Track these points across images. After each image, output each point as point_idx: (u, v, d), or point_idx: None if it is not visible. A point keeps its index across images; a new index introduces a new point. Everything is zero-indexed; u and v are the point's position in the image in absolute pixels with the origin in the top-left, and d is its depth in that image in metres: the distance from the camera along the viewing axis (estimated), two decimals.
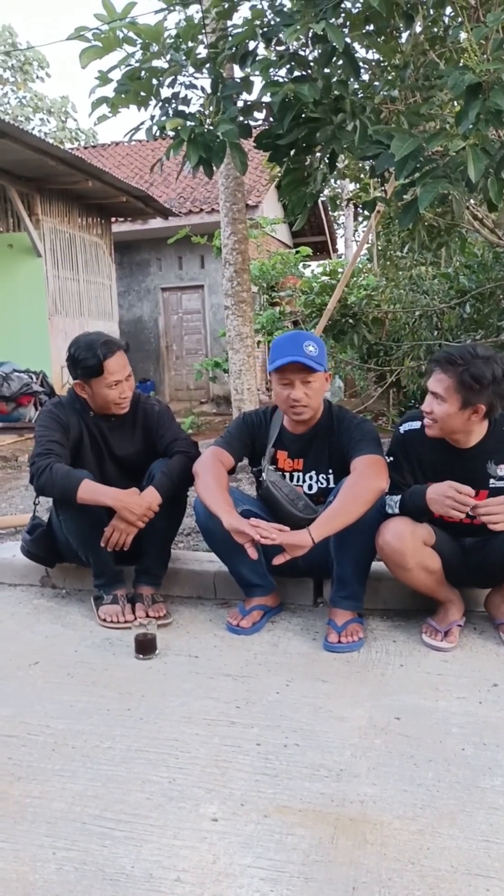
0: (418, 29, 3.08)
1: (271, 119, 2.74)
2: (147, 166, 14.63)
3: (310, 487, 2.67)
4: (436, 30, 3.16)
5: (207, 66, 2.81)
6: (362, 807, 1.65)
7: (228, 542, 2.43)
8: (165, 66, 2.74)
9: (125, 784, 1.76)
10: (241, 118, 2.76)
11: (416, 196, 2.32)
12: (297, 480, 2.69)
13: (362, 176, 5.84)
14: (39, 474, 2.58)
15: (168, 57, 2.73)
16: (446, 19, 3.22)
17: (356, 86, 2.84)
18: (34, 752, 1.91)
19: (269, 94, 2.58)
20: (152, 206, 11.08)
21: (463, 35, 2.78)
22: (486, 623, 2.60)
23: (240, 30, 2.68)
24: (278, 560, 2.37)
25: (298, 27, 2.36)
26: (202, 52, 2.86)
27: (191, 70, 2.81)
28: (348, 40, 2.68)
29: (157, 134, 2.76)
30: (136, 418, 2.87)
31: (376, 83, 3.21)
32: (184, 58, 2.74)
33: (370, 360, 7.31)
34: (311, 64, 2.73)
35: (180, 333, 13.60)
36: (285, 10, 2.67)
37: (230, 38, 2.72)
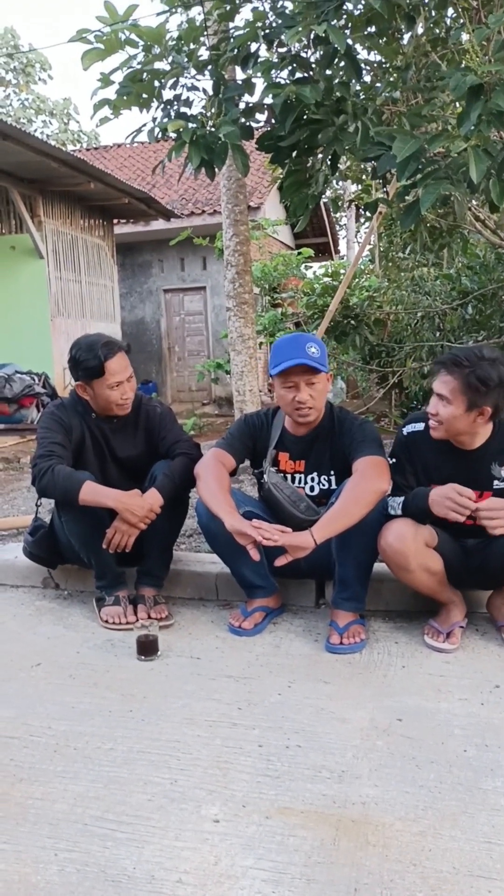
0: (420, 30, 3.09)
1: (273, 121, 2.74)
2: (149, 168, 14.64)
3: (311, 489, 2.67)
4: (437, 31, 3.17)
5: (209, 67, 2.81)
6: (364, 808, 1.65)
7: (230, 543, 2.43)
8: (167, 68, 2.75)
9: (127, 785, 1.76)
10: (243, 120, 2.76)
11: (418, 197, 2.32)
12: (299, 482, 2.69)
13: (364, 177, 5.85)
14: (41, 476, 2.58)
15: (170, 59, 2.73)
16: (448, 21, 3.22)
17: (358, 87, 2.84)
18: (36, 753, 1.91)
19: (270, 95, 2.58)
20: (154, 208, 11.09)
21: (465, 36, 2.78)
22: (488, 624, 2.60)
23: (241, 32, 2.69)
24: (280, 562, 2.37)
25: (300, 29, 2.37)
26: (204, 54, 2.87)
27: (192, 72, 2.81)
28: (350, 42, 2.68)
29: (159, 136, 2.77)
30: (139, 420, 2.87)
31: (378, 85, 3.22)
32: (185, 60, 2.75)
33: (372, 362, 7.30)
34: (313, 66, 2.73)
35: (182, 335, 13.61)
36: (287, 11, 2.67)
37: (232, 40, 2.73)
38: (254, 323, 5.48)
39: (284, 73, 2.72)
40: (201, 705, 2.13)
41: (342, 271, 8.36)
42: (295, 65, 2.71)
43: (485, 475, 2.40)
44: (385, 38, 3.00)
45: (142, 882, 1.44)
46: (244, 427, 2.74)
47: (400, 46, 3.10)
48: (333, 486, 2.63)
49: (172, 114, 2.84)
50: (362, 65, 2.80)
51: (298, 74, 2.73)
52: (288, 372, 2.50)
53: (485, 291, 5.98)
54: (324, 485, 2.66)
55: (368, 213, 4.51)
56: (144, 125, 2.80)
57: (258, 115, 2.82)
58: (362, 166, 5.35)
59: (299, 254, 11.63)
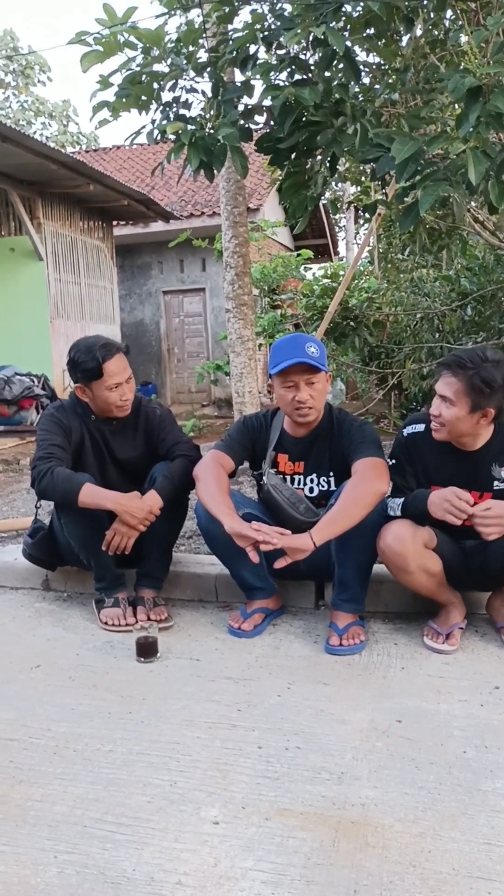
0: (419, 32, 3.09)
1: (272, 123, 2.74)
2: (148, 170, 14.66)
3: (311, 490, 2.67)
4: (436, 33, 3.17)
5: (208, 70, 2.82)
6: (364, 810, 1.65)
7: (230, 545, 2.43)
8: (166, 70, 2.75)
9: (126, 787, 1.76)
10: (242, 122, 2.76)
11: (417, 199, 2.32)
12: (298, 483, 2.69)
13: (363, 179, 5.85)
14: (41, 478, 2.58)
15: (169, 61, 2.73)
16: (447, 22, 3.23)
17: (357, 89, 2.84)
18: (35, 755, 1.91)
19: (269, 97, 2.59)
20: (153, 210, 11.09)
21: (463, 38, 2.78)
22: (488, 625, 2.60)
23: (240, 34, 2.69)
24: (279, 564, 2.37)
25: (299, 31, 2.37)
26: (203, 56, 2.87)
27: (191, 74, 2.81)
28: (349, 44, 2.69)
29: (158, 138, 2.77)
30: (138, 422, 2.87)
31: (377, 86, 3.22)
32: (184, 62, 2.75)
33: (371, 363, 7.30)
34: (312, 67, 2.74)
35: (182, 336, 13.61)
36: (286, 14, 2.67)
37: (231, 42, 2.73)
38: (253, 324, 5.49)
39: (283, 75, 2.72)
40: (201, 707, 2.13)
41: (341, 273, 8.36)
42: (294, 67, 2.71)
43: (485, 476, 2.40)
44: (384, 40, 3.01)
45: (141, 884, 1.44)
46: (243, 429, 2.74)
47: (399, 48, 3.10)
48: (333, 488, 2.63)
49: (171, 116, 2.84)
50: (361, 67, 2.81)
51: (297, 76, 2.73)
52: (288, 371, 2.50)
53: (484, 293, 5.99)
54: (323, 486, 2.66)
55: (367, 215, 4.51)
56: (143, 127, 2.80)
57: (257, 117, 2.83)
58: (361, 168, 5.36)
59: (298, 255, 11.63)
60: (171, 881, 1.44)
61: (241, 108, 2.79)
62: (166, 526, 2.75)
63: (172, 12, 2.80)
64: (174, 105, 2.86)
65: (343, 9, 2.55)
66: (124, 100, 2.73)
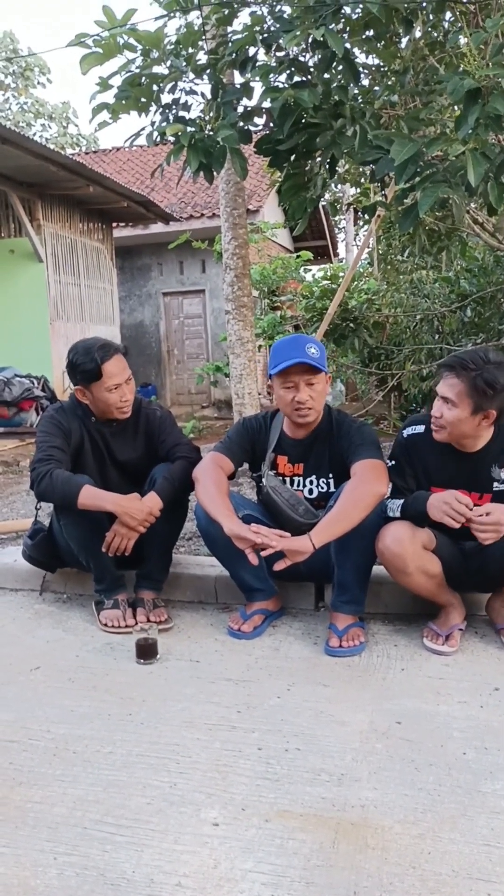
0: (418, 34, 3.10)
1: (271, 124, 2.74)
2: (148, 171, 14.67)
3: (310, 492, 2.67)
4: (435, 35, 3.17)
5: (207, 72, 2.82)
6: (363, 811, 1.64)
7: (229, 546, 2.43)
8: (166, 72, 2.75)
9: (126, 789, 1.75)
10: (242, 124, 2.77)
11: (416, 200, 2.32)
12: (298, 485, 2.69)
13: (362, 180, 5.85)
14: (39, 480, 2.58)
15: (168, 63, 2.74)
16: (446, 24, 3.23)
17: (356, 91, 2.85)
18: (35, 757, 1.91)
19: (269, 99, 2.59)
20: (153, 211, 11.10)
21: (462, 40, 2.78)
22: (487, 627, 2.60)
23: (240, 36, 2.69)
24: (279, 566, 2.37)
25: (298, 33, 2.38)
26: (202, 58, 2.87)
27: (191, 76, 2.81)
28: (348, 46, 2.69)
29: (158, 139, 2.77)
30: (138, 423, 2.87)
31: (376, 88, 3.23)
32: (184, 64, 2.75)
33: (371, 364, 7.31)
34: (311, 69, 2.74)
35: (181, 338, 13.61)
36: (285, 16, 2.68)
37: (230, 44, 2.74)
38: (253, 326, 5.49)
39: (283, 77, 2.73)
40: (200, 708, 2.13)
41: (341, 274, 8.37)
42: (293, 69, 2.72)
43: (485, 477, 2.40)
44: (383, 42, 3.01)
45: (141, 885, 1.44)
46: (242, 431, 2.74)
47: (398, 50, 3.11)
48: (332, 489, 2.63)
49: (171, 118, 2.84)
50: (360, 68, 2.81)
51: (297, 78, 2.74)
52: (287, 371, 2.50)
53: (483, 294, 5.99)
54: (322, 488, 2.66)
55: (367, 217, 4.51)
56: (143, 129, 2.80)
57: (256, 119, 2.83)
58: (361, 169, 5.36)
59: (298, 257, 11.65)
60: (171, 883, 1.44)
61: (240, 109, 2.80)
62: (166, 527, 2.75)
63: (172, 14, 2.80)
64: (174, 107, 2.86)
65: (342, 11, 2.56)
66: (124, 102, 2.73)
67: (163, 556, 2.84)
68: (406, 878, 1.43)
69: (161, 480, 2.68)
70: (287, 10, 2.75)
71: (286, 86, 2.63)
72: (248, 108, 2.81)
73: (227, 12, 2.79)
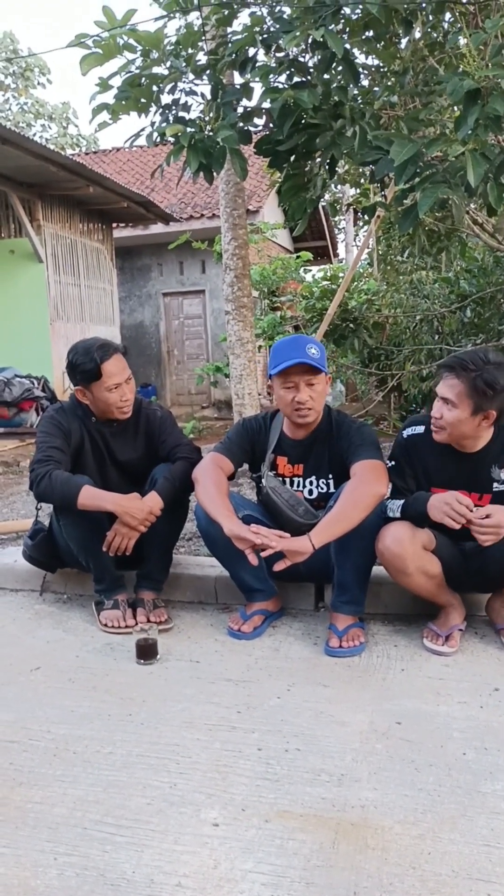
0: (417, 35, 3.10)
1: (271, 125, 2.74)
2: (148, 172, 14.67)
3: (310, 493, 2.67)
4: (435, 35, 3.18)
5: (207, 72, 2.82)
6: (363, 811, 1.65)
7: (229, 547, 2.43)
8: (165, 72, 2.75)
9: (126, 789, 1.76)
10: (241, 124, 2.77)
11: (416, 201, 2.32)
12: (297, 486, 2.69)
13: (362, 181, 5.86)
14: (39, 481, 2.58)
15: (168, 64, 2.74)
16: (445, 25, 3.23)
17: (356, 92, 2.85)
18: (35, 757, 1.91)
19: (268, 100, 2.59)
20: (153, 212, 11.10)
21: (462, 41, 2.79)
22: (487, 627, 2.60)
23: (239, 36, 2.69)
24: (279, 566, 2.37)
25: (298, 34, 2.38)
26: (202, 58, 2.87)
27: (191, 76, 2.82)
28: (348, 46, 2.69)
29: (158, 140, 2.77)
30: (139, 424, 2.87)
31: (376, 89, 3.23)
32: (184, 64, 2.75)
33: (371, 365, 7.31)
34: (311, 70, 2.74)
35: (181, 338, 13.62)
36: (285, 16, 2.68)
37: (230, 45, 2.74)
38: (253, 326, 5.49)
39: (282, 78, 2.73)
40: (200, 709, 2.13)
41: (341, 275, 8.37)
42: (293, 69, 2.72)
43: (485, 477, 2.40)
44: (383, 43, 3.01)
45: (141, 886, 1.44)
46: (242, 431, 2.75)
47: (397, 51, 3.11)
48: (332, 490, 2.63)
49: (171, 118, 2.84)
50: (360, 69, 2.81)
51: (296, 79, 2.74)
52: (288, 372, 2.50)
53: (483, 295, 5.99)
54: (322, 488, 2.66)
55: (367, 217, 4.52)
56: (143, 129, 2.80)
57: (256, 120, 2.83)
58: (360, 170, 5.37)
59: (298, 257, 11.65)
60: (171, 883, 1.44)
61: (240, 110, 2.80)
62: (167, 527, 2.75)
63: (172, 15, 2.80)
64: (173, 107, 2.86)
65: (342, 11, 2.56)
66: (124, 102, 2.73)
67: (163, 556, 2.84)
68: (406, 879, 1.43)
69: (162, 480, 2.68)
70: (287, 10, 2.75)
71: (286, 86, 2.63)
72: (248, 109, 2.81)
73: (226, 13, 2.79)
